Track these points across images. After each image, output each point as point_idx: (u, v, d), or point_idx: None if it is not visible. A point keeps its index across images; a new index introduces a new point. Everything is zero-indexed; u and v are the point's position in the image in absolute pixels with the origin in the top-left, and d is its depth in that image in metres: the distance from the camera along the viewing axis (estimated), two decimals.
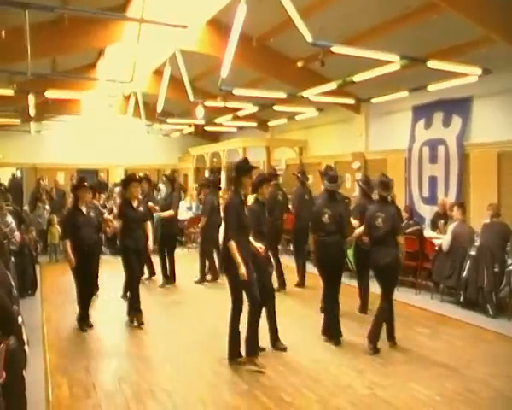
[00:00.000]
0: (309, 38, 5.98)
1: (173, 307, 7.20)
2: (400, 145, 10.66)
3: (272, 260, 6.95)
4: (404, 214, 7.64)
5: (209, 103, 11.50)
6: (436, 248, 7.41)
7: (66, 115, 15.78)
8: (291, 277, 8.25)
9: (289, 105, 11.60)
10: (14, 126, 15.97)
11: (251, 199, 5.18)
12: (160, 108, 11.51)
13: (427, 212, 9.93)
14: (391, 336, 5.38)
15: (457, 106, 9.37)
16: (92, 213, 6.20)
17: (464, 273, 6.73)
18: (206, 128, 15.41)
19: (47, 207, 11.50)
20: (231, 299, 4.81)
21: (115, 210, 8.49)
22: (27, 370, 3.39)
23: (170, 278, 8.40)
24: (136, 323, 6.13)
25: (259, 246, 4.94)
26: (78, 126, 16.68)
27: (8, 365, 2.90)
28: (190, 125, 15.32)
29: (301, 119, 13.08)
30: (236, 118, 13.11)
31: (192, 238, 12.50)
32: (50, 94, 9.94)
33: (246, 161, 5.02)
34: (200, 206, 10.55)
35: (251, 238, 4.92)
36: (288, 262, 8.96)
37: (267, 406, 4.02)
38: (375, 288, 6.74)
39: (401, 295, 7.04)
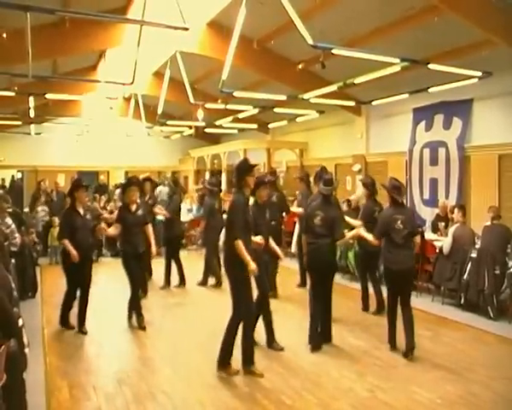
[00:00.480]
0: (310, 41, 5.98)
1: (173, 309, 7.18)
2: (401, 147, 10.67)
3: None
4: None
5: (210, 105, 11.53)
6: (437, 250, 7.40)
7: (67, 117, 15.78)
8: (292, 278, 8.26)
9: (290, 107, 11.62)
10: (14, 128, 16.01)
11: (250, 201, 5.17)
12: (160, 110, 11.53)
13: (427, 214, 9.93)
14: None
15: (458, 108, 9.37)
16: (88, 216, 6.18)
17: (465, 276, 6.71)
18: (207, 130, 15.41)
19: (45, 208, 11.43)
20: (232, 305, 4.65)
21: (115, 212, 8.48)
22: (27, 372, 3.39)
23: (181, 281, 8.39)
24: (136, 325, 6.12)
25: (259, 238, 4.94)
26: (78, 128, 16.67)
27: (9, 367, 2.90)
28: (191, 128, 15.32)
29: (302, 121, 13.07)
30: (237, 120, 13.11)
31: (192, 240, 12.58)
32: (51, 96, 9.94)
33: (245, 160, 5.02)
34: (201, 209, 10.55)
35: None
36: (289, 264, 8.95)
37: (267, 408, 4.00)
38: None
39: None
